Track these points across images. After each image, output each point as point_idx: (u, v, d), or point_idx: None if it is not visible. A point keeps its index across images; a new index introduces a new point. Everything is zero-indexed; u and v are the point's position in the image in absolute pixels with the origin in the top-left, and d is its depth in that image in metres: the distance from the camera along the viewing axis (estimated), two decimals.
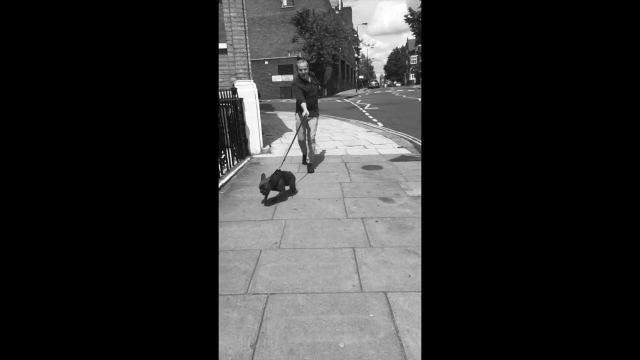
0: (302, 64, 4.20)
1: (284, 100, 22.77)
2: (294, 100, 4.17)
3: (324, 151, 5.77)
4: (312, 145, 4.54)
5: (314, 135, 4.49)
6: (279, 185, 3.25)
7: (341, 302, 1.79)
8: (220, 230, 2.75)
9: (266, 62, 26.25)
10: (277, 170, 3.34)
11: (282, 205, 3.27)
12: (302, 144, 4.60)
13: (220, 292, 1.91)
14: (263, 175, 3.25)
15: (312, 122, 4.42)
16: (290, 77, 25.21)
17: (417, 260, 2.18)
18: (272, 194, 3.32)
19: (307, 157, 4.62)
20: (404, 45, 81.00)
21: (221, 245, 2.48)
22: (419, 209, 3.06)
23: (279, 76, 26.18)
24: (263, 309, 1.75)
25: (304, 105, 4.10)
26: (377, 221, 2.83)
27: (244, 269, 2.15)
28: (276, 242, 2.51)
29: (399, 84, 70.86)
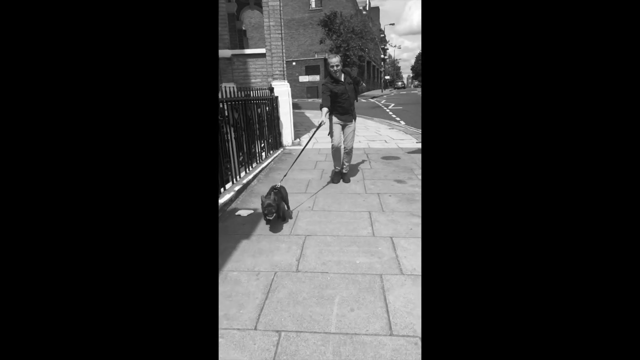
0: (334, 60, 3.51)
1: (310, 100, 23.60)
2: (320, 100, 3.62)
3: None
4: (349, 157, 3.99)
5: (352, 144, 3.86)
6: (281, 209, 2.78)
7: (358, 241, 2.49)
8: None
9: (294, 63, 27.17)
10: (272, 188, 2.84)
11: (312, 183, 4.00)
12: (336, 152, 3.85)
13: (271, 232, 2.66)
14: (262, 198, 2.71)
15: (348, 129, 3.80)
16: (317, 78, 26.03)
17: (418, 221, 2.84)
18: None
19: (343, 167, 4.01)
20: None
21: None
22: None
23: (306, 76, 27.03)
24: (303, 243, 2.48)
25: (324, 110, 3.51)
26: (390, 196, 3.50)
27: (287, 221, 2.89)
28: (309, 207, 3.24)
29: None
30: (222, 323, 1.68)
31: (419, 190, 3.65)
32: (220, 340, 1.57)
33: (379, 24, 47.53)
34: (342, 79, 3.61)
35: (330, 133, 3.83)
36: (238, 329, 1.63)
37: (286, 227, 2.79)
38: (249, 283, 2.01)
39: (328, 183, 3.97)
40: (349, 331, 1.60)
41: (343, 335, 1.57)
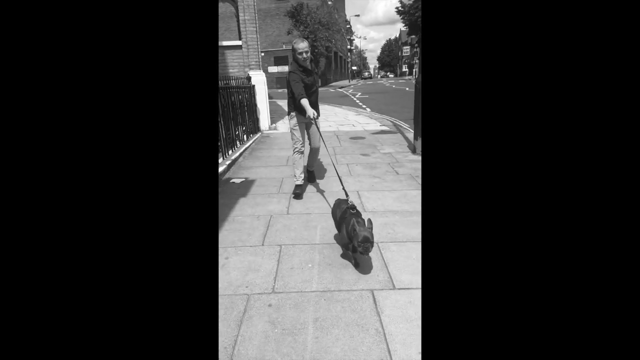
0: (302, 45, 2.93)
1: (280, 90, 24.03)
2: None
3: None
4: (315, 156, 3.46)
5: (319, 144, 3.30)
6: None
7: (333, 194, 3.22)
8: (254, 170, 4.17)
9: (262, 54, 27.31)
10: (347, 206, 2.19)
11: (292, 158, 4.67)
12: (300, 158, 3.26)
13: (263, 192, 3.33)
14: (352, 221, 1.97)
15: (313, 128, 3.24)
16: (285, 68, 26.37)
17: (378, 180, 3.62)
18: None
19: (309, 165, 3.47)
20: (397, 36, 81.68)
21: (257, 176, 3.91)
22: (385, 158, 4.51)
23: (275, 67, 27.35)
24: (289, 197, 3.18)
25: (305, 102, 2.81)
26: (357, 165, 4.26)
27: (274, 184, 3.58)
28: (292, 175, 3.93)
29: (392, 75, 72.02)
30: (237, 244, 2.35)
31: (380, 160, 4.44)
32: (238, 251, 2.24)
33: (345, 15, 48.19)
34: (310, 68, 3.07)
35: (292, 135, 3.25)
36: (250, 246, 2.32)
37: (274, 188, 3.48)
38: (252, 222, 2.69)
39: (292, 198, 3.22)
40: (329, 242, 2.33)
41: (325, 245, 2.30)
